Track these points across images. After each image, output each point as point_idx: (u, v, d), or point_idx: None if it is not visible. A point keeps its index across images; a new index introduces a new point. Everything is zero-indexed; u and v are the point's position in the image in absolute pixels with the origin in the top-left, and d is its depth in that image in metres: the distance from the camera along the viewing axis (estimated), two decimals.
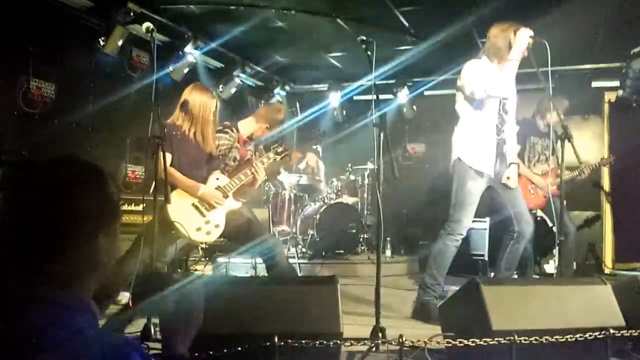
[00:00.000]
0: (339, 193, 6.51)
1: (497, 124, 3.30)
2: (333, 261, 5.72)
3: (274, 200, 6.52)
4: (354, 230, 6.05)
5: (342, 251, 5.99)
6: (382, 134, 2.53)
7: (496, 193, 3.38)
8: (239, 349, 1.73)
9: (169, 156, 3.02)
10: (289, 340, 1.75)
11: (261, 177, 3.29)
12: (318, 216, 5.93)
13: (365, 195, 6.62)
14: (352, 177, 6.64)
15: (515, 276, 4.70)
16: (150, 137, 2.38)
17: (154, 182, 2.98)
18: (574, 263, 6.02)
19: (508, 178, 3.34)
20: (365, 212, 6.56)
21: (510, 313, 2.17)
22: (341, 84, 7.54)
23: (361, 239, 6.22)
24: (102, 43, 4.65)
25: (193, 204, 3.06)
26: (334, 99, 7.63)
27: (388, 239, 6.68)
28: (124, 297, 3.40)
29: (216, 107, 3.22)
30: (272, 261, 3.09)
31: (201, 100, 3.14)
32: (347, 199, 6.43)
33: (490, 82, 3.15)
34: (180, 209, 2.98)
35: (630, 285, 2.49)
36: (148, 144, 2.35)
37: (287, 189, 6.35)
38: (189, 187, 3.04)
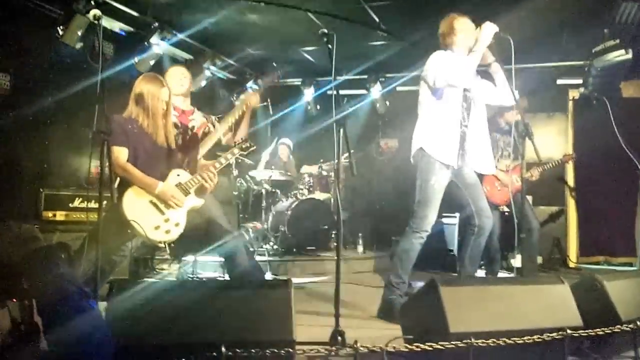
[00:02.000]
0: (311, 189, 6.46)
1: (460, 117, 3.28)
2: (304, 258, 5.67)
3: (245, 196, 6.43)
4: (326, 227, 6.01)
5: (313, 248, 5.94)
6: (341, 131, 2.47)
7: (457, 187, 3.37)
8: None
9: (124, 151, 2.91)
10: (237, 350, 1.67)
11: (214, 181, 3.17)
12: (289, 212, 5.86)
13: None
14: (324, 173, 6.59)
15: (484, 271, 4.77)
16: (95, 131, 2.25)
17: (117, 180, 2.87)
18: (540, 257, 6.14)
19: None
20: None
21: (468, 314, 2.15)
22: (315, 78, 7.47)
23: (333, 235, 6.18)
24: (61, 32, 4.45)
25: (151, 201, 2.92)
26: (308, 93, 7.56)
27: (360, 234, 6.66)
28: None
29: (168, 96, 3.10)
30: (232, 263, 2.99)
31: (149, 91, 3.01)
32: (319, 195, 6.39)
33: (451, 70, 3.14)
34: (137, 206, 2.85)
35: (588, 284, 2.49)
36: (92, 139, 2.23)
37: (259, 184, 6.27)
38: (145, 185, 2.90)
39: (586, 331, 2.29)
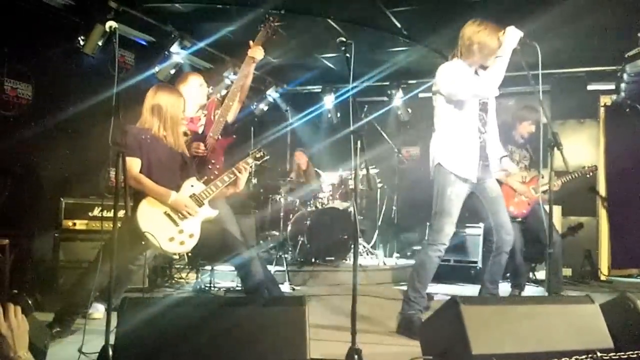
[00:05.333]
0: (331, 198, 6.39)
1: (478, 125, 3.18)
2: (322, 268, 5.57)
3: (264, 205, 6.40)
4: (345, 236, 5.91)
5: (332, 258, 5.84)
6: (359, 142, 2.39)
7: (478, 200, 3.24)
8: None
9: (137, 162, 2.89)
10: None
11: (243, 182, 3.16)
12: (309, 221, 5.79)
13: (359, 200, 6.46)
14: (344, 178, 6.49)
15: (509, 284, 4.60)
16: (110, 143, 2.24)
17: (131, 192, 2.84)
18: (570, 270, 5.92)
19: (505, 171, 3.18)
20: (359, 217, 6.41)
21: (491, 335, 2.04)
22: (335, 85, 7.42)
23: (352, 245, 6.06)
24: (82, 43, 4.50)
25: (165, 212, 2.89)
26: (328, 100, 7.51)
27: (381, 244, 6.55)
28: (97, 310, 3.27)
29: (184, 105, 3.10)
30: (246, 276, 2.95)
31: (168, 101, 3.02)
32: (339, 204, 6.30)
33: (479, 81, 3.04)
34: (151, 217, 2.83)
35: (619, 303, 2.35)
36: (110, 151, 2.22)
37: (278, 193, 6.22)
38: (158, 195, 2.88)
39: (617, 354, 2.16)
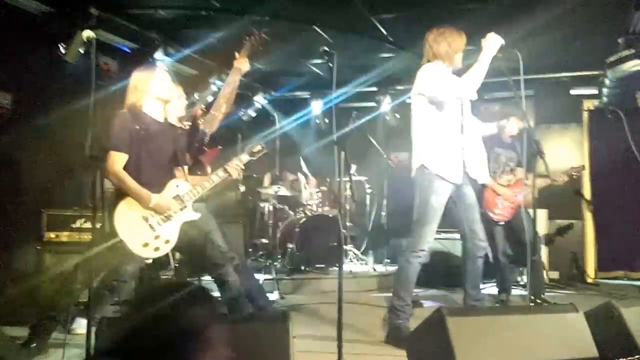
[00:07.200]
0: (320, 205, 6.36)
1: (459, 128, 3.19)
2: (312, 276, 5.54)
3: (252, 212, 6.35)
4: (335, 243, 5.87)
5: (322, 265, 5.81)
6: (342, 153, 2.37)
7: (454, 205, 3.23)
8: None
9: (123, 157, 2.76)
10: None
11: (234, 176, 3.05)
12: (298, 229, 5.76)
13: (348, 207, 6.44)
14: (333, 188, 6.48)
15: (496, 289, 4.59)
16: (88, 156, 2.18)
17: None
18: (557, 273, 5.97)
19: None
20: (348, 223, 6.40)
21: (477, 347, 2.03)
22: (323, 91, 7.41)
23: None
24: (63, 50, 4.43)
25: (143, 216, 2.76)
26: (316, 106, 7.49)
27: (370, 251, 6.53)
28: (80, 325, 3.16)
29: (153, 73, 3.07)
30: (224, 287, 2.85)
31: (138, 76, 3.02)
32: (328, 211, 6.28)
33: (459, 83, 3.06)
34: (128, 222, 2.71)
35: (604, 312, 2.35)
36: (86, 163, 2.16)
37: (267, 200, 6.18)
38: (139, 197, 2.74)
39: None
